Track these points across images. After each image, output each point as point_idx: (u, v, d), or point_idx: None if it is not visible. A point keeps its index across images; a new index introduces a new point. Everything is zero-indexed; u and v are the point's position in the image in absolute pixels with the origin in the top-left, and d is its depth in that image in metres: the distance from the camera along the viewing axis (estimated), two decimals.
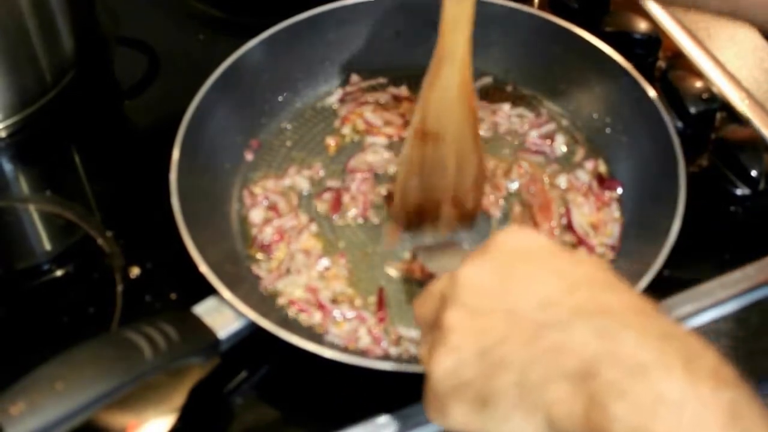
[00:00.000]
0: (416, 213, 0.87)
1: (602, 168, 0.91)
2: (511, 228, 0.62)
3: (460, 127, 0.82)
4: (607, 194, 0.89)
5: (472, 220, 0.87)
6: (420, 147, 0.84)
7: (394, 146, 0.94)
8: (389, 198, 0.89)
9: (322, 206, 0.89)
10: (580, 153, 0.93)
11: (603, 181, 0.90)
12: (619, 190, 0.89)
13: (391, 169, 0.92)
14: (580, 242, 0.85)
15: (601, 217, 0.87)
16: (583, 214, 0.87)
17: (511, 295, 0.56)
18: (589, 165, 0.92)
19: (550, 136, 0.94)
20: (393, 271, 0.84)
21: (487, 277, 0.57)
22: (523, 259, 0.58)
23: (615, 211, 0.88)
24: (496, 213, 0.88)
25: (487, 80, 0.98)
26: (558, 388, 0.51)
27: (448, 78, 0.80)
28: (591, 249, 0.85)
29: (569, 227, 0.87)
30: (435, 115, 0.82)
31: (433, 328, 0.59)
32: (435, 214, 0.87)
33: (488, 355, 0.54)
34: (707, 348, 0.52)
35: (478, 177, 0.86)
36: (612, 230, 0.87)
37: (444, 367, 0.56)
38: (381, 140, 0.94)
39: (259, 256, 0.85)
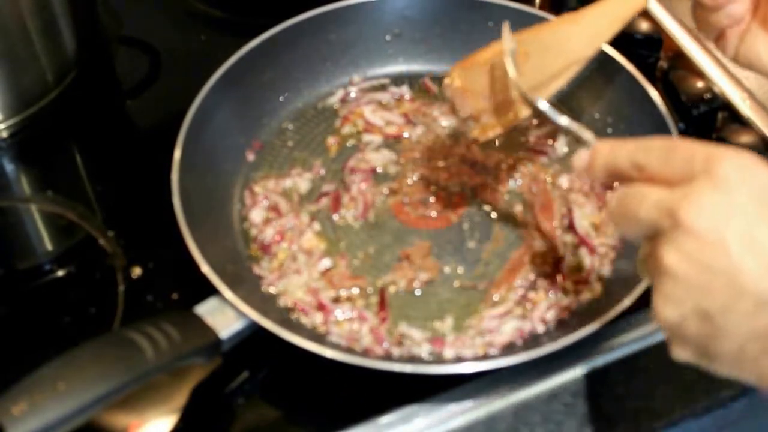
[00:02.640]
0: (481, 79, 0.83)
1: None
2: (735, 156, 0.58)
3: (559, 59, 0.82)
4: (609, 194, 0.89)
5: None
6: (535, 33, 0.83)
7: (394, 146, 0.94)
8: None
9: (322, 207, 0.89)
10: None
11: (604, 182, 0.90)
12: None
13: (392, 169, 0.92)
14: (581, 242, 0.85)
15: (602, 217, 0.87)
16: (584, 214, 0.87)
17: (734, 254, 0.55)
18: None
19: (551, 136, 0.94)
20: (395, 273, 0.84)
21: (711, 228, 0.56)
22: (750, 205, 0.56)
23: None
24: (499, 206, 0.89)
25: None
26: None
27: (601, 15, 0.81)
28: (592, 249, 0.85)
29: (571, 227, 0.87)
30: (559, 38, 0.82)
31: (649, 246, 0.60)
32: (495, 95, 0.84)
33: (711, 320, 0.57)
34: None
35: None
36: (613, 230, 0.87)
37: (668, 317, 0.59)
38: (382, 140, 0.94)
39: (261, 256, 0.85)
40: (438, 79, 0.99)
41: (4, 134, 0.98)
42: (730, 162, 0.57)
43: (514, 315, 0.81)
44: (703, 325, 0.57)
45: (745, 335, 0.56)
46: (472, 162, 0.92)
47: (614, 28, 0.82)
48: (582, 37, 0.83)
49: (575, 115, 0.95)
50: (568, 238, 0.86)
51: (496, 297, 0.82)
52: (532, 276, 0.83)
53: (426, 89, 0.99)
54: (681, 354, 0.60)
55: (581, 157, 0.67)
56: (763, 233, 0.56)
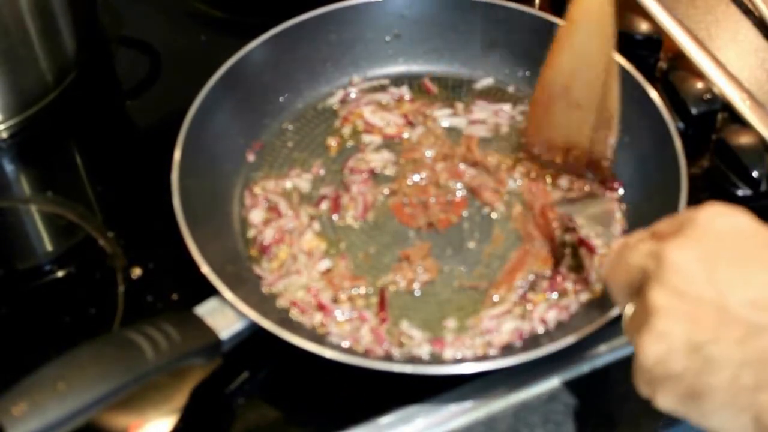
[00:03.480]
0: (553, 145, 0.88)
1: None
2: (715, 206, 0.61)
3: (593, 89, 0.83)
4: (609, 195, 0.89)
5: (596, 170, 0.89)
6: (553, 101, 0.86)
7: (394, 147, 0.94)
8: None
9: (322, 208, 0.89)
10: None
11: (604, 182, 0.90)
12: (621, 191, 0.89)
13: (391, 170, 0.92)
14: (581, 243, 0.85)
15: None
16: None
17: (720, 285, 0.57)
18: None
19: None
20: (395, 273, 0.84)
21: (695, 262, 0.58)
22: (732, 244, 0.58)
23: (616, 212, 0.88)
24: (499, 206, 0.89)
25: (488, 81, 0.99)
26: None
27: (582, 43, 0.81)
28: (592, 249, 0.85)
29: (571, 228, 0.87)
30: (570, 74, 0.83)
31: (636, 301, 0.61)
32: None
33: (700, 351, 0.56)
34: None
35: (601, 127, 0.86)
36: (613, 231, 0.87)
37: (653, 353, 0.58)
38: (381, 141, 0.94)
39: (261, 256, 0.85)
40: (438, 79, 0.99)
41: (4, 135, 0.98)
42: (710, 209, 0.61)
43: (513, 315, 0.81)
44: (691, 358, 0.56)
45: (737, 362, 0.55)
46: (472, 162, 0.92)
47: (604, 19, 0.81)
48: (587, 47, 0.82)
49: None
50: (568, 238, 0.86)
51: (495, 297, 0.82)
52: (532, 276, 0.83)
53: (426, 90, 0.99)
54: (666, 399, 0.59)
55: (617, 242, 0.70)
56: (743, 266, 0.57)
